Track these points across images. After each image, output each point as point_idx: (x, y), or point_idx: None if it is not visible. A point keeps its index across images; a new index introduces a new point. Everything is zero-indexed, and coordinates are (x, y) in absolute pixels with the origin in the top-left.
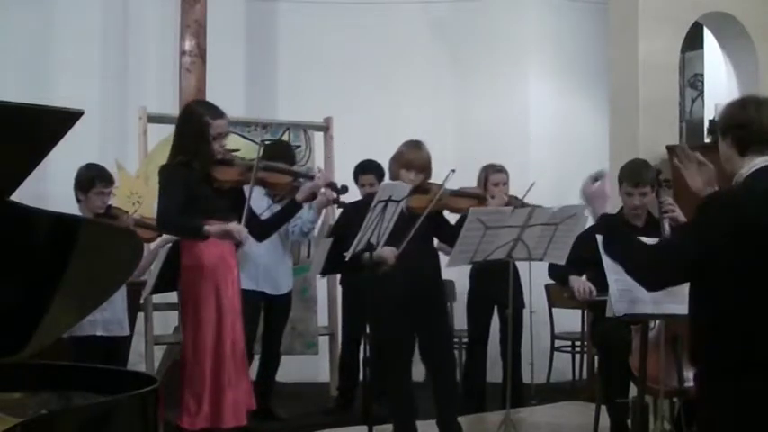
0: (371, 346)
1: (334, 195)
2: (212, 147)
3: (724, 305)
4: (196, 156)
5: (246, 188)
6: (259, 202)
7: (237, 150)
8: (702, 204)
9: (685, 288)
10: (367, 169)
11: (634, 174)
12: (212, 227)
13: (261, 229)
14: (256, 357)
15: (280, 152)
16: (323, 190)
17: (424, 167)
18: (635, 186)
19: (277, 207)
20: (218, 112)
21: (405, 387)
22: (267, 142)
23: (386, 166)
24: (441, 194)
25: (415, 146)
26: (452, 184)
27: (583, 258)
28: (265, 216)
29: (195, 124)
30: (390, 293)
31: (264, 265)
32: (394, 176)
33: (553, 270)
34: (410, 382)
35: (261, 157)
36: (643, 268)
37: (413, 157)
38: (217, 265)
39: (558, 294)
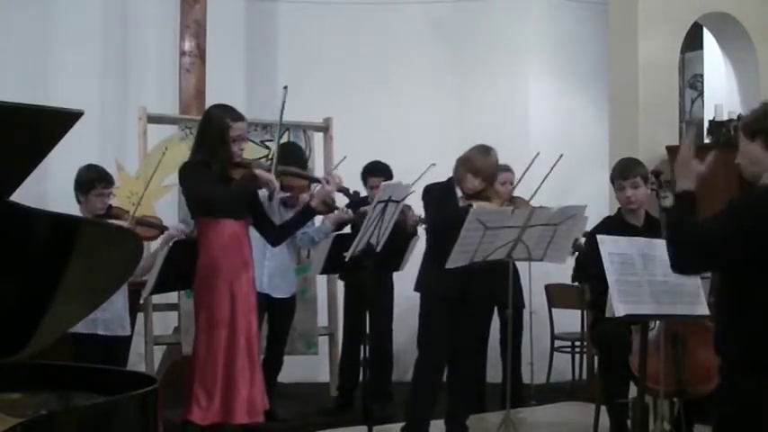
0: (371, 347)
1: (353, 216)
2: (231, 149)
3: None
4: (216, 157)
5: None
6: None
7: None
8: (740, 198)
9: (685, 288)
10: (375, 171)
11: (624, 168)
12: (259, 171)
13: (276, 234)
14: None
15: (293, 155)
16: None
17: (491, 175)
18: (625, 179)
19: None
20: (237, 115)
21: (435, 387)
22: (270, 142)
23: (392, 166)
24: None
25: (484, 152)
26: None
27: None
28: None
29: (215, 126)
30: (446, 294)
31: (269, 269)
32: (459, 178)
33: (580, 273)
34: (441, 383)
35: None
36: (691, 247)
37: (481, 165)
38: (232, 263)
39: (558, 294)
